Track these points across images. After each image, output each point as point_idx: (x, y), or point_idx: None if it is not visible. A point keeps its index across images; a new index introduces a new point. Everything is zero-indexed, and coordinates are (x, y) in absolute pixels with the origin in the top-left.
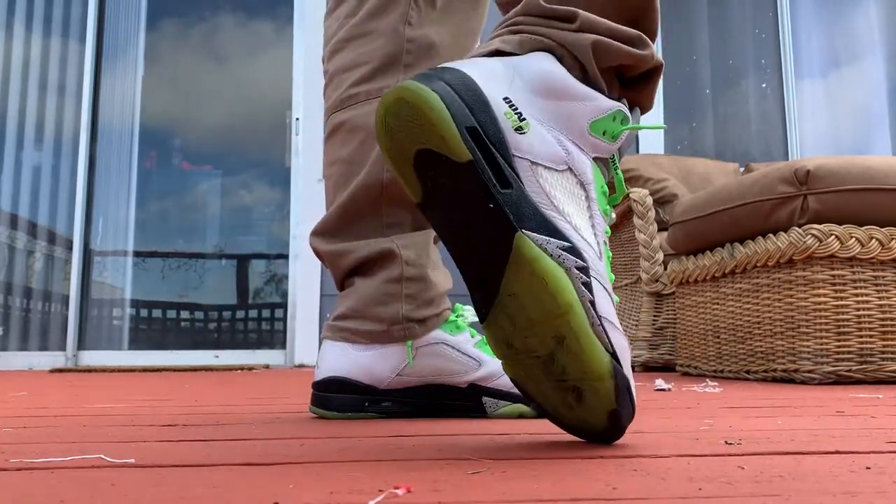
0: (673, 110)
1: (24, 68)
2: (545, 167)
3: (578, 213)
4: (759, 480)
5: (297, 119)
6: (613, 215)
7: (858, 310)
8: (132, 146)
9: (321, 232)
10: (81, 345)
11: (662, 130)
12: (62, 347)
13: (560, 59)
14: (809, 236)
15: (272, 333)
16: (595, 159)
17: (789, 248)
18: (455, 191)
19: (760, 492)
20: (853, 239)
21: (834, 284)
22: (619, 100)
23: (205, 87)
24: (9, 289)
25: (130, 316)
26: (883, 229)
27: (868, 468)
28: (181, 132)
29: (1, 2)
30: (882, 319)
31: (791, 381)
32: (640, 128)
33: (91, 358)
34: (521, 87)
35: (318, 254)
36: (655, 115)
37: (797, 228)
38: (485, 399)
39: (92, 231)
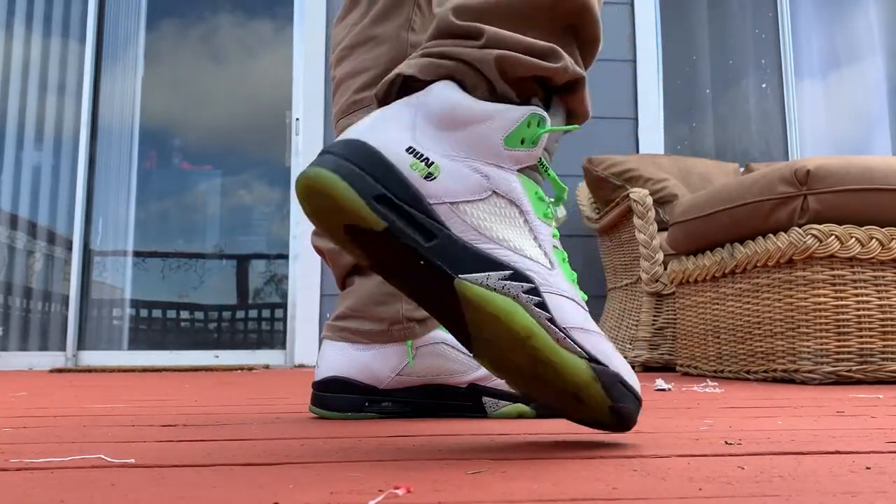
0: (673, 110)
1: (24, 68)
2: (467, 202)
3: (515, 233)
4: (759, 480)
5: (297, 119)
6: (562, 212)
7: (858, 310)
8: (132, 146)
9: None
10: (81, 345)
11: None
12: (62, 347)
13: (462, 82)
14: (809, 236)
15: (272, 333)
16: (521, 170)
17: (789, 248)
18: (390, 254)
19: (760, 492)
20: (853, 239)
21: (834, 284)
22: (530, 103)
23: (205, 87)
24: (9, 289)
25: (130, 316)
26: (883, 229)
27: (868, 468)
28: (181, 132)
29: (1, 2)
30: (882, 319)
31: (791, 381)
32: (554, 130)
33: (91, 358)
34: (424, 126)
35: (319, 252)
36: (655, 115)
37: (797, 228)
38: (485, 399)
39: (92, 231)
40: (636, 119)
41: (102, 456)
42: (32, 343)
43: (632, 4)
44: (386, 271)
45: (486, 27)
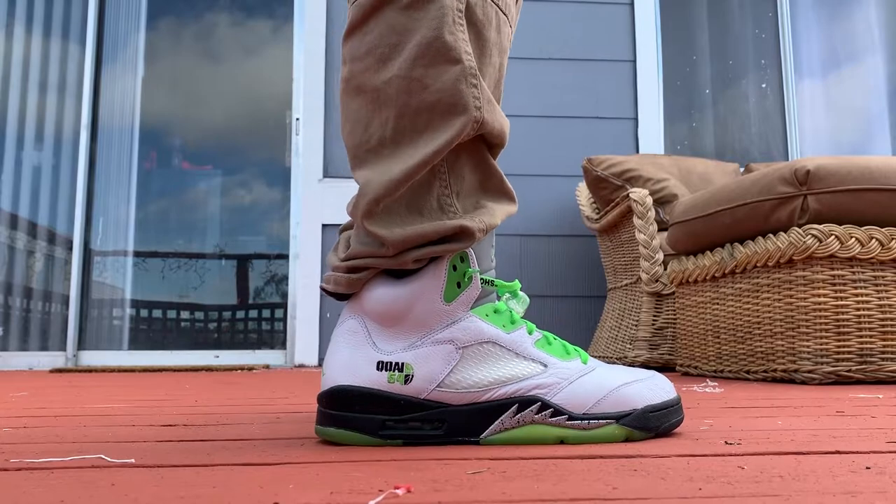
0: (673, 110)
1: (24, 68)
2: (449, 373)
3: (499, 365)
4: (759, 480)
5: (297, 119)
6: (524, 301)
7: (858, 310)
8: (132, 146)
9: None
10: (81, 345)
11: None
12: (62, 347)
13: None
14: (809, 236)
15: (272, 333)
16: (473, 306)
17: (789, 248)
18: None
19: (760, 492)
20: (853, 239)
21: (834, 284)
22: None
23: (205, 87)
24: (9, 289)
25: (130, 316)
26: (883, 229)
27: (868, 468)
28: (181, 132)
29: (1, 2)
30: (882, 319)
31: (791, 381)
32: (480, 272)
33: (91, 358)
34: (378, 332)
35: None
36: (655, 115)
37: (797, 228)
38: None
39: (92, 231)
40: (636, 119)
41: (102, 456)
42: (33, 343)
43: (632, 4)
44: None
45: (388, 236)
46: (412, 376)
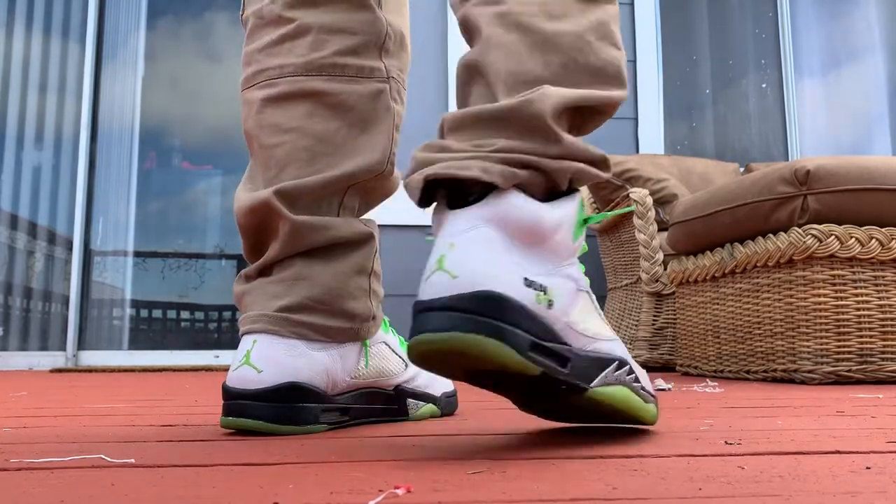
0: (673, 110)
1: (24, 68)
2: (574, 311)
3: (598, 320)
4: (759, 480)
5: None
6: (583, 232)
7: (858, 310)
8: (132, 146)
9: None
10: (81, 345)
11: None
12: (62, 347)
13: (528, 186)
14: (809, 236)
15: None
16: None
17: (789, 248)
18: (524, 387)
19: (760, 492)
20: (853, 239)
21: (834, 284)
22: (571, 192)
23: (205, 87)
24: (9, 289)
25: (130, 316)
26: (883, 229)
27: (868, 468)
28: (181, 132)
29: (1, 2)
30: (882, 319)
31: (791, 381)
32: (609, 215)
33: (91, 358)
34: (518, 247)
35: (279, 213)
36: (655, 115)
37: (797, 228)
38: (408, 401)
39: (92, 231)
40: (636, 119)
41: (102, 456)
42: (33, 343)
43: (632, 4)
44: (502, 390)
45: (565, 136)
46: (553, 304)
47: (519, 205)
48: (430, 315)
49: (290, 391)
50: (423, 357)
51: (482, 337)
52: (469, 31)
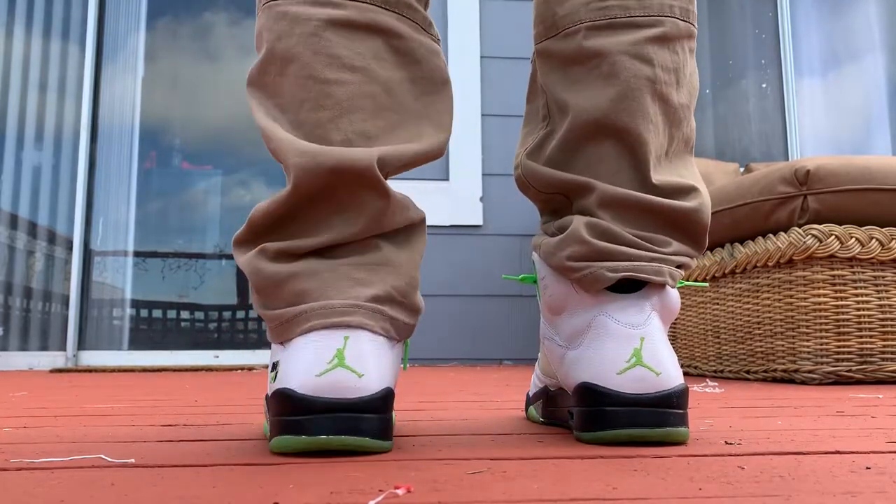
0: None
1: (24, 68)
2: None
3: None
4: (760, 480)
5: None
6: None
7: (858, 310)
8: (132, 146)
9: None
10: (81, 345)
11: None
12: (62, 347)
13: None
14: (809, 236)
15: None
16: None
17: (789, 248)
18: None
19: (760, 492)
20: (853, 239)
21: (834, 284)
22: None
23: (205, 87)
24: (9, 289)
25: (130, 316)
26: (883, 229)
27: (868, 468)
28: (181, 132)
29: (1, 2)
30: (882, 319)
31: (791, 381)
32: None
33: (91, 358)
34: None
35: (377, 184)
36: None
37: (797, 228)
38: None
39: (92, 231)
40: None
41: (102, 456)
42: (32, 343)
43: None
44: None
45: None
46: None
47: (674, 296)
48: (643, 412)
49: (390, 399)
50: (621, 442)
51: (684, 428)
52: (602, 67)
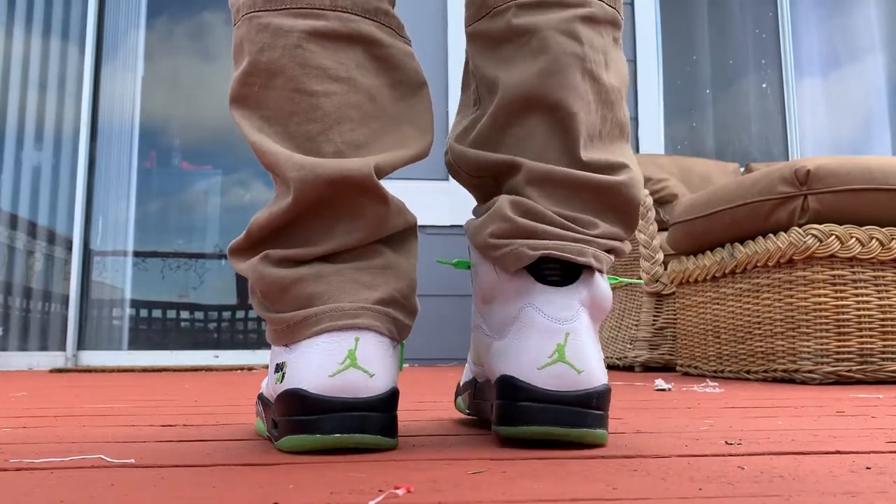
0: (673, 110)
1: (23, 68)
2: None
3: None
4: (760, 480)
5: None
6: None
7: (859, 310)
8: (132, 146)
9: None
10: (81, 345)
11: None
12: (62, 347)
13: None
14: (810, 236)
15: None
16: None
17: (789, 248)
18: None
19: (760, 492)
20: (853, 239)
21: (834, 284)
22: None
23: (205, 87)
24: (9, 289)
25: (130, 316)
26: (883, 229)
27: (868, 468)
28: (181, 132)
29: (1, 2)
30: (882, 319)
31: (791, 381)
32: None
33: (91, 358)
34: (595, 328)
35: (377, 192)
36: (655, 115)
37: (797, 228)
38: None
39: (92, 231)
40: (636, 119)
41: (102, 456)
42: (32, 343)
43: (632, 4)
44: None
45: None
46: None
47: (604, 287)
48: (562, 410)
49: (397, 398)
50: (537, 438)
51: (602, 430)
52: (531, 43)
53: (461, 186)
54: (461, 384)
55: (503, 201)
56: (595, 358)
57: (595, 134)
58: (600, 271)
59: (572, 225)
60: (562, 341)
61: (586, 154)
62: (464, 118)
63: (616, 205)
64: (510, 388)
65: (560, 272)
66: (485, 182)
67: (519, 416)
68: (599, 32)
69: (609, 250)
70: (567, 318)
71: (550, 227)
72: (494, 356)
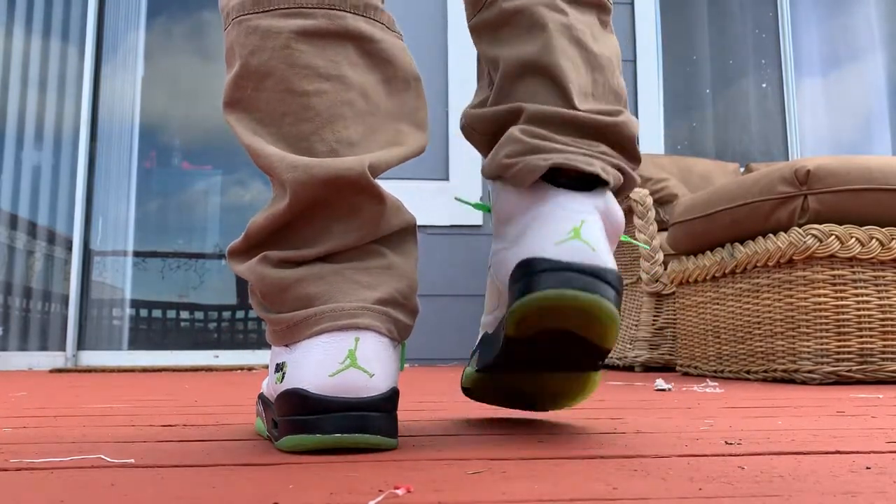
0: (673, 110)
1: (23, 68)
2: None
3: None
4: (760, 480)
5: None
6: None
7: (858, 310)
8: (132, 146)
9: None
10: (81, 345)
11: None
12: (62, 347)
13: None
14: (810, 236)
15: None
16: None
17: (789, 248)
18: (569, 345)
19: (760, 492)
20: (853, 239)
21: (834, 284)
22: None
23: (205, 87)
24: (9, 289)
25: (130, 316)
26: (883, 229)
27: (868, 468)
28: (181, 132)
29: (1, 2)
30: (882, 319)
31: (791, 381)
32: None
33: (91, 358)
34: (608, 242)
35: (372, 190)
36: (655, 115)
37: (797, 228)
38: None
39: (92, 231)
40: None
41: (102, 456)
42: (32, 343)
43: (632, 4)
44: (530, 344)
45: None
46: None
47: (616, 207)
48: (574, 276)
49: (397, 398)
50: (550, 309)
51: (613, 307)
52: (522, 21)
53: (461, 185)
54: (470, 358)
55: (513, 129)
56: (605, 244)
57: (588, 93)
58: (608, 183)
59: (574, 144)
60: (577, 224)
61: (582, 106)
62: (477, 96)
63: (615, 139)
64: (528, 265)
65: (573, 186)
66: (495, 138)
67: (537, 284)
68: (583, 11)
69: (617, 168)
70: (583, 210)
71: (559, 144)
72: (511, 255)
